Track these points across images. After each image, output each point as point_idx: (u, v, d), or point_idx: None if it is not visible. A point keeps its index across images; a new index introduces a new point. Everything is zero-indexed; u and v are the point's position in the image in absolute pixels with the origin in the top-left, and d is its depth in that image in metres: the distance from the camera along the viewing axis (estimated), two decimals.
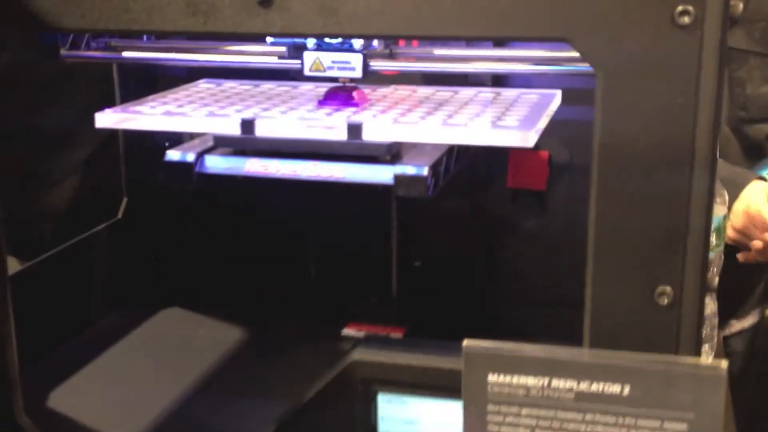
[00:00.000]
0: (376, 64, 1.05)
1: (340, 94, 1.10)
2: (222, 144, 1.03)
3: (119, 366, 1.10)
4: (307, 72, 1.03)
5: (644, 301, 0.73)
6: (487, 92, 1.16)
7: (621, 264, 0.73)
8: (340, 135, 0.99)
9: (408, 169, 0.98)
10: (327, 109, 1.07)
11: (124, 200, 1.30)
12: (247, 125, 1.01)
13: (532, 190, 1.33)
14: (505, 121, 0.99)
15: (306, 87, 1.22)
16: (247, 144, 1.02)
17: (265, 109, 1.07)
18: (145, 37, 1.27)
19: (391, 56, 1.06)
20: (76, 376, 1.06)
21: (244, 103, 1.11)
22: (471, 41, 1.09)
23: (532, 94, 1.15)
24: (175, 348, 1.15)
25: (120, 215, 1.28)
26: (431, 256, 1.31)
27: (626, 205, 0.72)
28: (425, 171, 0.97)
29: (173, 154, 1.03)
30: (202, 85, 1.26)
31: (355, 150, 0.99)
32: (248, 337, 1.19)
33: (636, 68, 0.70)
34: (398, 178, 0.97)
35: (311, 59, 1.03)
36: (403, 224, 1.26)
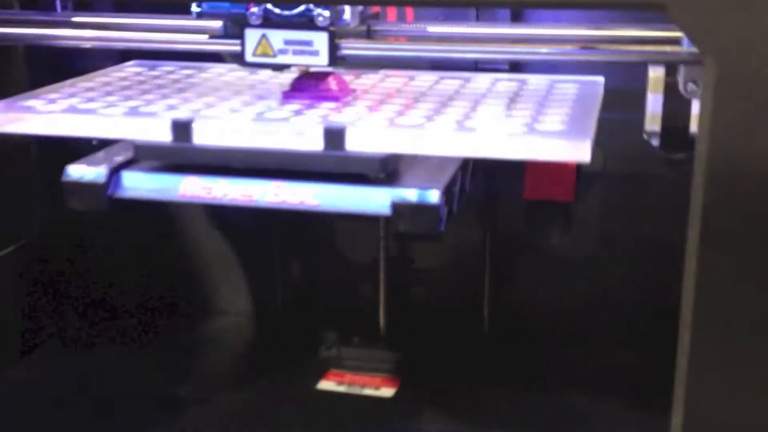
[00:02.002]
0: (350, 48, 0.76)
1: (312, 83, 0.80)
2: (146, 155, 0.73)
3: None
4: (249, 57, 0.75)
5: None
6: (507, 80, 0.87)
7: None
8: (314, 143, 0.70)
9: (411, 194, 0.68)
10: (295, 105, 0.78)
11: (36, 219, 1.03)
12: (181, 129, 0.71)
13: (556, 201, 1.05)
14: (544, 124, 0.70)
15: (267, 73, 0.93)
16: (181, 156, 0.72)
17: (210, 105, 0.78)
18: (59, 5, 0.97)
19: (370, 35, 0.77)
20: None
21: (182, 96, 0.81)
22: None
23: (568, 84, 0.86)
24: None
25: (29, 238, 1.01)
26: (427, 284, 1.09)
27: (747, 248, 0.52)
28: (436, 197, 0.68)
29: (75, 171, 0.73)
30: (130, 68, 0.96)
31: (334, 165, 0.69)
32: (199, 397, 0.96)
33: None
34: (398, 208, 0.68)
35: (255, 39, 0.74)
36: (393, 246, 1.07)
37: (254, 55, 0.75)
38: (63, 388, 0.98)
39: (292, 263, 1.15)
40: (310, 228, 1.10)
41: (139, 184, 0.73)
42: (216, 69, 0.95)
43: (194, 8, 0.76)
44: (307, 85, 0.80)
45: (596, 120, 0.72)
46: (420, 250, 1.09)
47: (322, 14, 0.73)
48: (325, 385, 1.01)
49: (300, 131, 0.70)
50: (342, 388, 1.01)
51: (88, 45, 0.86)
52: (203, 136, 0.71)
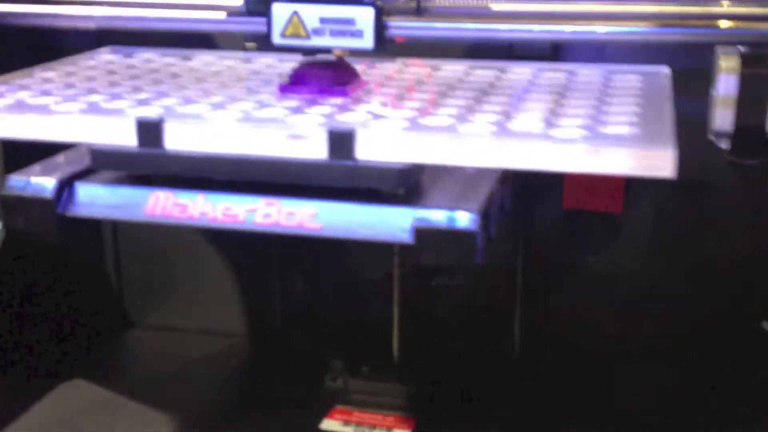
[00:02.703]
0: (401, 27, 0.62)
1: (315, 74, 0.65)
2: (106, 164, 0.58)
3: None
4: (277, 39, 0.60)
5: None
6: (551, 71, 0.72)
7: None
8: (315, 150, 0.55)
9: (438, 216, 0.53)
10: (293, 101, 0.63)
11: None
12: (149, 130, 0.56)
13: (601, 212, 0.91)
14: (609, 127, 0.55)
15: (264, 61, 0.78)
16: (149, 164, 0.57)
17: (188, 101, 0.63)
18: None
19: (419, 13, 0.62)
20: None
21: (157, 89, 0.67)
22: None
23: (628, 75, 0.71)
24: None
25: None
26: (449, 303, 0.95)
27: None
28: (471, 220, 0.53)
29: (18, 183, 0.58)
30: (103, 56, 0.81)
31: (341, 178, 0.55)
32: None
33: None
34: (421, 234, 0.53)
35: (284, 16, 0.59)
36: (409, 257, 0.91)
37: (283, 36, 0.60)
38: None
39: (292, 277, 1.00)
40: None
41: (96, 199, 0.58)
42: (203, 57, 0.80)
43: None
44: (309, 76, 0.65)
45: (673, 121, 0.57)
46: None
47: None
48: (330, 424, 0.87)
49: (297, 134, 0.55)
50: (349, 429, 0.86)
51: (84, 25, 0.72)
52: (177, 140, 0.56)
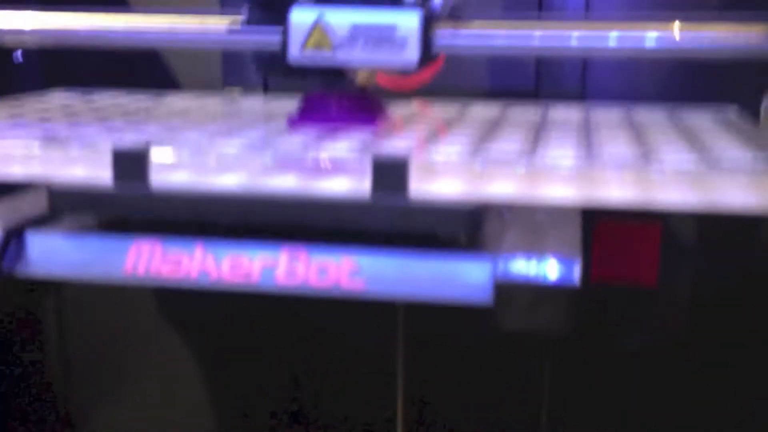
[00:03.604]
0: (449, 35, 0.49)
1: (331, 102, 0.52)
2: (69, 205, 0.44)
3: None
4: (296, 52, 0.47)
5: None
6: (603, 112, 0.61)
7: None
8: (352, 183, 0.42)
9: (527, 268, 0.40)
10: (308, 135, 0.49)
11: None
12: (130, 161, 0.42)
13: (634, 285, 0.79)
14: (722, 160, 0.43)
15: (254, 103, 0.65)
16: (129, 205, 0.43)
17: (173, 130, 0.49)
18: None
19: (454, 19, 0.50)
20: None
21: (128, 122, 0.53)
22: None
23: (696, 114, 0.59)
24: None
25: None
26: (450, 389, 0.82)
27: None
28: (574, 270, 0.40)
29: None
30: (54, 101, 0.67)
31: (391, 220, 0.41)
32: None
33: None
34: (506, 291, 0.39)
35: (305, 23, 0.47)
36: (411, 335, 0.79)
37: (304, 48, 0.47)
38: None
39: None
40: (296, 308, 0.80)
41: (54, 253, 0.43)
42: (177, 99, 0.66)
43: None
44: (324, 105, 0.52)
45: None
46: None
47: None
48: None
49: (329, 164, 0.42)
50: None
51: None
52: (165, 173, 0.42)
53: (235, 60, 0.77)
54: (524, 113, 0.60)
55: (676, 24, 0.50)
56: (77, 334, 0.87)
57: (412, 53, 0.47)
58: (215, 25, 0.51)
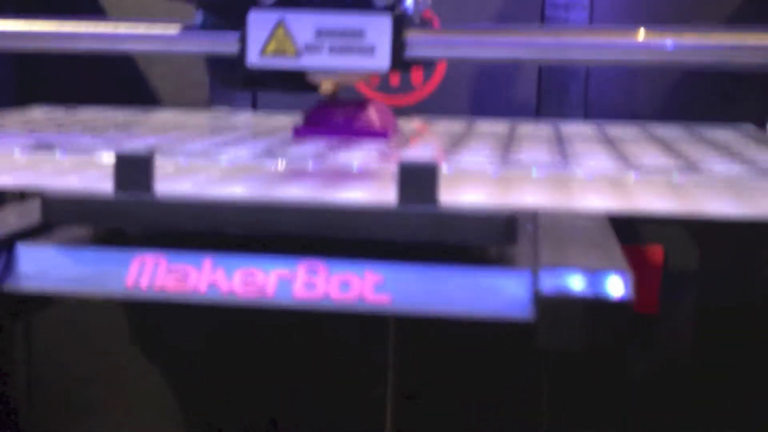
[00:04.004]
0: (420, 41, 0.46)
1: (340, 112, 0.49)
2: (65, 216, 0.40)
3: None
4: (255, 58, 0.44)
5: None
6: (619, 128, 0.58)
7: None
8: (377, 191, 0.38)
9: (571, 282, 0.37)
10: (317, 145, 0.46)
11: None
12: (133, 167, 0.39)
13: (635, 313, 0.76)
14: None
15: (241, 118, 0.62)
16: (131, 215, 0.39)
17: (173, 140, 0.46)
18: None
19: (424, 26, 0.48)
20: None
21: (127, 134, 0.49)
22: None
23: (716, 130, 0.57)
24: None
25: None
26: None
27: None
28: (624, 285, 0.37)
29: None
30: (37, 114, 0.63)
31: (420, 230, 0.38)
32: None
33: None
34: (549, 306, 0.36)
35: (265, 26, 0.44)
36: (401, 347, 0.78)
37: (263, 53, 0.44)
38: None
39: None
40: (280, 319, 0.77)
41: (49, 267, 0.39)
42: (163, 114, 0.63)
43: None
44: (332, 115, 0.49)
45: None
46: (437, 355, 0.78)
47: None
48: None
49: (349, 170, 0.38)
50: None
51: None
52: (171, 181, 0.39)
53: None
54: (536, 129, 0.58)
55: (642, 30, 0.48)
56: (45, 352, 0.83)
57: (382, 59, 0.45)
58: (166, 30, 0.48)
